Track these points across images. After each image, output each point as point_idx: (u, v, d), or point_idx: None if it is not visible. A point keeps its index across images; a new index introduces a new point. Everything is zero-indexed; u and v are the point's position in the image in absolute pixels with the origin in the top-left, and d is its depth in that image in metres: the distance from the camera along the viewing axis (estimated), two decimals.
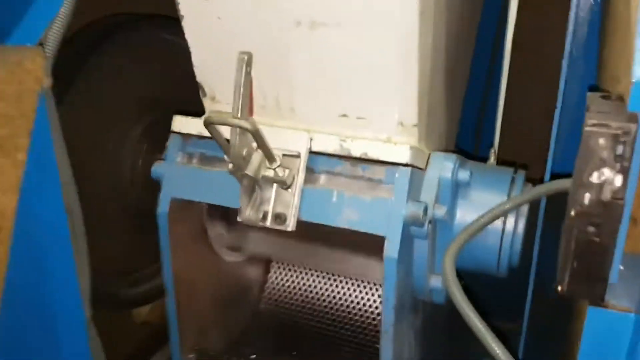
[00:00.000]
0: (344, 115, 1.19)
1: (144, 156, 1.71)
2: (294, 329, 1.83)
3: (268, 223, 1.15)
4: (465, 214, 1.28)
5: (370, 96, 1.14)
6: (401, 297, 1.17)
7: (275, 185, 1.14)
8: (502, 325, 2.11)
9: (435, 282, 1.30)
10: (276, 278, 1.90)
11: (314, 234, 1.45)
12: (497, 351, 0.94)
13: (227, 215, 1.51)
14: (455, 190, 1.25)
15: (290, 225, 1.15)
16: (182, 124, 1.28)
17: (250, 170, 1.06)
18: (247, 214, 1.12)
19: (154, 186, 1.72)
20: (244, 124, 0.98)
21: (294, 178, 1.13)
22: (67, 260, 1.27)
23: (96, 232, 1.41)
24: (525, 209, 1.30)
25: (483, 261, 1.34)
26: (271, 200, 1.14)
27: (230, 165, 1.07)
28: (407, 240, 1.16)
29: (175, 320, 1.40)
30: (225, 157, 1.09)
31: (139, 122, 1.69)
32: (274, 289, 1.93)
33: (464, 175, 1.23)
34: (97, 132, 1.60)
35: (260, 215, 1.13)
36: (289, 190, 1.14)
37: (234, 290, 1.74)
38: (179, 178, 1.29)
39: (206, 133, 1.22)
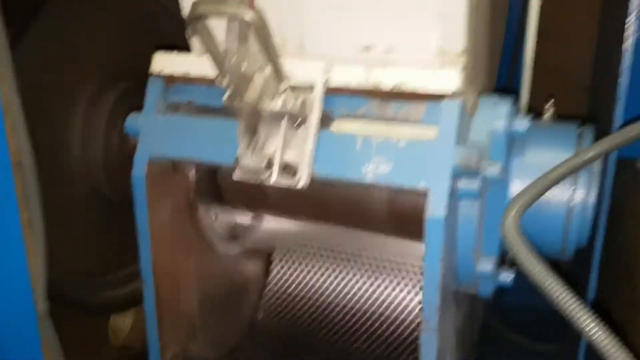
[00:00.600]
0: (368, 48, 0.94)
1: (120, 131, 1.44)
2: (300, 339, 1.54)
3: (273, 176, 0.88)
4: (522, 176, 1.02)
5: (402, 17, 0.89)
6: (445, 277, 0.90)
7: (283, 124, 0.87)
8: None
9: (484, 265, 1.02)
10: (279, 275, 1.61)
11: (329, 211, 1.18)
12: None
13: (221, 190, 1.24)
14: (509, 145, 0.98)
15: (302, 180, 0.88)
16: (165, 62, 1.02)
17: (251, 96, 0.79)
18: (246, 162, 0.85)
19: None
20: (244, 12, 0.71)
21: (307, 114, 0.86)
22: (11, 232, 0.99)
23: (59, 222, 1.14)
24: (597, 173, 1.04)
25: (544, 240, 1.06)
26: (278, 144, 0.87)
27: (226, 90, 0.81)
28: (452, 201, 0.88)
29: (154, 318, 1.11)
30: (217, 80, 0.82)
31: (112, 89, 1.43)
32: (276, 290, 1.64)
33: (521, 124, 0.96)
34: (56, 95, 1.30)
35: (263, 164, 0.86)
36: (301, 132, 0.88)
37: (228, 290, 1.45)
38: (159, 131, 1.03)
39: (195, 73, 0.97)
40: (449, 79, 0.83)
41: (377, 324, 1.53)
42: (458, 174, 0.85)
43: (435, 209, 0.84)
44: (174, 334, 1.18)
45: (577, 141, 1.04)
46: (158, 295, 1.11)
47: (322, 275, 1.60)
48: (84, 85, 1.37)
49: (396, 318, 1.51)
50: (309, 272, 1.62)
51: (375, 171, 0.87)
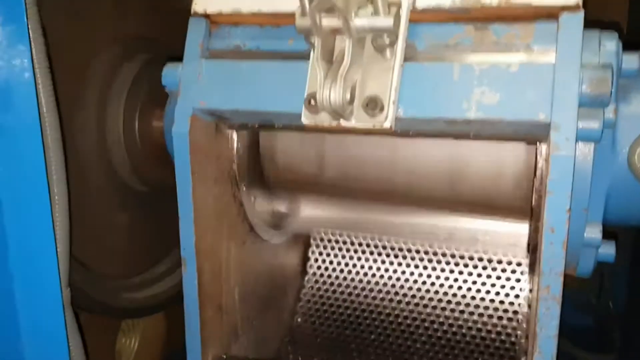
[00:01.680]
0: None
1: (141, 112, 1.28)
2: (345, 344, 1.35)
3: (355, 112, 0.71)
4: (630, 127, 0.86)
5: None
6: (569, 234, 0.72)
7: (367, 47, 0.71)
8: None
9: (593, 231, 0.85)
10: (316, 273, 1.44)
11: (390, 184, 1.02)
12: None
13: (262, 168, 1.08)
14: (616, 85, 0.82)
15: (389, 118, 0.71)
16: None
17: (338, 3, 0.63)
18: (324, 95, 0.68)
19: (157, 154, 1.31)
20: None
21: (397, 34, 0.70)
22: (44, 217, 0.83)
23: (75, 217, 0.97)
24: None
25: None
26: (358, 75, 0.71)
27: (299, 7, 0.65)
28: None
29: (195, 308, 0.93)
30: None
31: (130, 62, 1.26)
32: (313, 291, 1.46)
33: (632, 62, 0.80)
34: (65, 70, 1.12)
35: (347, 96, 0.69)
36: (383, 62, 0.72)
37: (268, 287, 1.27)
38: (204, 80, 0.86)
39: (247, 9, 0.82)
40: None
41: (435, 325, 1.35)
42: (585, 102, 0.69)
43: (562, 145, 0.67)
44: (215, 331, 1.00)
45: None
46: (200, 281, 0.92)
47: (368, 269, 1.43)
48: (97, 58, 1.21)
49: (459, 318, 1.33)
50: (352, 265, 1.45)
51: (479, 104, 0.71)
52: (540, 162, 0.83)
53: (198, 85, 0.86)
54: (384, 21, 0.66)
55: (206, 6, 0.86)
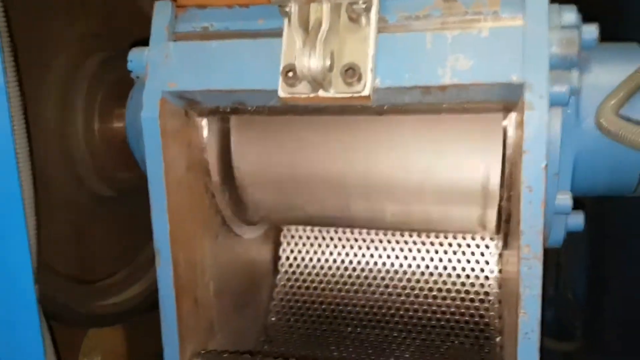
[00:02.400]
0: None
1: (100, 112, 1.24)
2: (322, 339, 1.33)
3: (333, 81, 0.71)
4: (591, 96, 0.89)
5: None
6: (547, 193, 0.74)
7: (342, 15, 0.71)
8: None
9: (564, 198, 0.88)
10: (289, 269, 1.43)
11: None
12: None
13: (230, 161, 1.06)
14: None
15: (368, 87, 0.72)
16: None
17: None
18: (302, 63, 0.68)
19: (119, 154, 1.27)
20: None
21: (371, 2, 0.71)
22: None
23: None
24: None
25: (620, 173, 0.94)
26: (335, 43, 0.71)
27: None
28: None
29: (171, 302, 0.89)
30: None
31: (89, 59, 1.22)
32: (286, 289, 1.44)
33: (590, 33, 0.83)
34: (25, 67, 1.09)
35: (327, 63, 0.69)
36: (358, 31, 0.72)
37: (243, 283, 1.24)
38: (173, 62, 0.84)
39: None
40: None
41: (410, 312, 1.35)
42: (554, 63, 0.72)
43: (536, 103, 0.70)
44: (193, 325, 0.96)
45: None
46: (175, 273, 0.89)
47: (340, 262, 1.42)
48: (56, 55, 1.16)
49: (433, 304, 1.34)
50: (323, 261, 1.44)
51: (454, 70, 0.73)
52: (511, 131, 0.85)
53: (166, 67, 0.84)
54: None
55: None
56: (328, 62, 0.68)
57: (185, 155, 0.93)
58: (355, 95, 0.72)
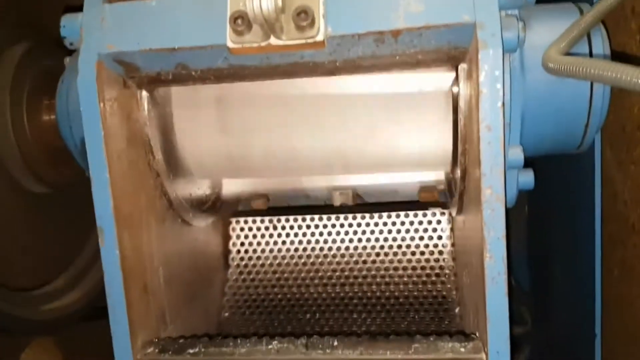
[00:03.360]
0: None
1: (28, 104, 1.16)
2: (278, 329, 1.28)
3: (285, 27, 0.68)
4: (532, 54, 0.91)
5: None
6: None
7: None
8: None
9: (515, 152, 0.89)
10: (240, 260, 1.37)
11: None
12: None
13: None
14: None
15: (321, 32, 0.69)
16: None
17: None
18: (253, 5, 0.64)
19: (53, 150, 1.18)
20: None
21: None
22: None
23: None
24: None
25: (566, 127, 0.97)
26: None
27: None
28: None
29: (119, 285, 0.82)
30: None
31: (11, 51, 1.14)
32: (238, 282, 1.39)
33: None
34: None
35: (279, 3, 0.65)
36: None
37: (197, 270, 1.17)
38: (109, 23, 0.78)
39: None
40: None
41: (368, 293, 1.33)
42: (503, 4, 0.73)
43: (489, 41, 0.70)
44: (143, 314, 0.89)
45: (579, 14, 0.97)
46: (122, 255, 0.82)
47: (293, 250, 1.39)
48: None
49: (390, 282, 1.33)
50: (276, 250, 1.39)
51: (407, 13, 0.72)
52: (461, 82, 0.86)
53: (102, 30, 0.78)
54: None
55: None
56: (280, 3, 0.65)
57: (125, 128, 0.86)
58: (309, 41, 0.69)
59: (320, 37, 0.69)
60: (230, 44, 0.71)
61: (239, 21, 0.68)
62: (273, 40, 0.69)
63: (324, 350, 0.82)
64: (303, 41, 0.69)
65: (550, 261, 1.45)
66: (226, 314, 1.35)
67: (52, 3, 1.25)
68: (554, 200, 1.37)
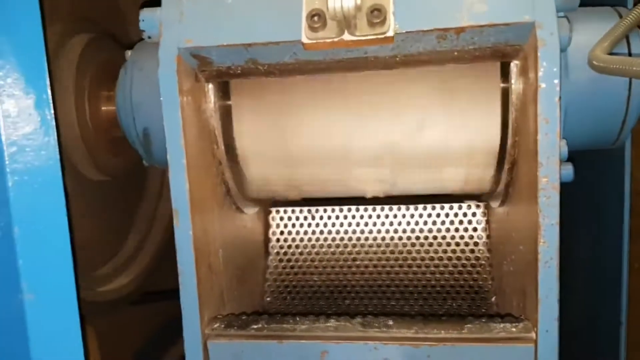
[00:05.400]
0: None
1: (90, 95, 1.21)
2: (323, 310, 1.34)
3: (358, 24, 0.74)
4: (574, 54, 0.96)
5: None
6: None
7: None
8: None
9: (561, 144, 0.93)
10: (280, 248, 1.43)
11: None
12: None
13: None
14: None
15: (391, 28, 0.75)
16: None
17: None
18: (335, 3, 0.70)
19: (111, 140, 1.24)
20: None
21: None
22: None
23: None
24: None
25: (604, 124, 1.01)
26: None
27: None
28: None
29: (191, 263, 0.88)
30: None
31: (73, 42, 1.20)
32: (279, 269, 1.44)
33: None
34: None
35: (357, 1, 0.71)
36: None
37: (246, 255, 1.23)
38: (188, 19, 0.84)
39: None
40: None
41: (406, 280, 1.39)
42: (559, 6, 0.78)
43: (548, 39, 0.75)
44: (209, 291, 0.95)
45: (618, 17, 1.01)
46: (194, 235, 0.88)
47: (330, 237, 1.44)
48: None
49: (427, 270, 1.38)
50: (314, 239, 1.45)
51: (470, 11, 0.77)
52: (514, 78, 0.90)
53: (181, 24, 0.84)
54: None
55: None
56: (359, 1, 0.71)
57: (196, 119, 0.92)
58: (380, 37, 0.74)
59: (390, 33, 0.74)
60: (305, 40, 0.76)
61: (315, 18, 0.74)
62: (346, 36, 0.75)
63: (380, 328, 0.87)
64: (374, 37, 0.75)
65: (572, 247, 1.50)
66: (268, 299, 1.41)
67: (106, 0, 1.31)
68: (581, 192, 1.41)
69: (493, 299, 1.31)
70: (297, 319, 0.91)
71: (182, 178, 0.85)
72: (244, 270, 1.21)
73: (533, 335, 0.81)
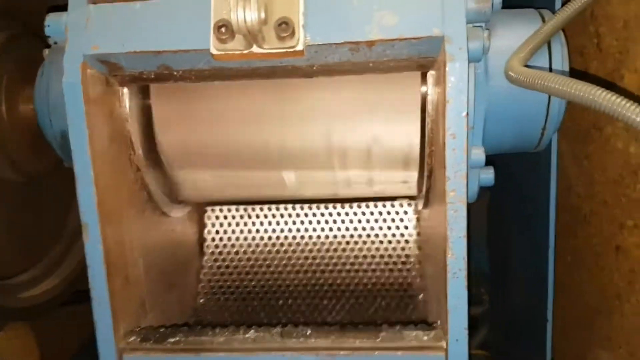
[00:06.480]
0: None
1: (7, 94, 1.16)
2: (254, 313, 1.34)
3: (267, 37, 0.72)
4: (496, 58, 0.97)
5: None
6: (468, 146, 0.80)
7: None
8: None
9: (477, 153, 0.95)
10: (214, 248, 1.42)
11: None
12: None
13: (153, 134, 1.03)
14: None
15: (301, 41, 0.73)
16: None
17: None
18: (237, 16, 0.68)
19: (31, 140, 1.19)
20: None
21: None
22: None
23: None
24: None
25: (525, 128, 1.04)
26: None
27: None
28: None
29: (102, 278, 0.85)
30: None
31: None
32: (213, 268, 1.43)
33: None
34: None
35: (263, 15, 0.69)
36: None
37: (170, 262, 1.21)
38: (94, 26, 0.80)
39: None
40: None
41: (338, 279, 1.40)
42: (470, 18, 0.78)
43: (456, 54, 0.75)
44: (125, 303, 0.93)
45: (540, 18, 1.03)
46: (105, 248, 0.85)
47: (267, 237, 1.44)
48: None
49: (358, 269, 1.40)
50: (250, 238, 1.44)
51: (380, 25, 0.76)
52: (430, 88, 0.91)
53: (87, 31, 0.80)
54: None
55: None
56: (263, 15, 0.69)
57: (107, 126, 0.89)
58: (289, 50, 0.73)
59: (299, 47, 0.73)
60: (213, 51, 0.74)
61: (223, 29, 0.72)
62: (255, 49, 0.73)
63: (298, 338, 0.88)
64: (283, 50, 0.73)
65: (507, 246, 1.55)
66: (202, 300, 1.40)
67: None
68: (513, 189, 1.45)
69: (420, 296, 1.33)
70: (217, 330, 0.91)
71: (90, 190, 0.83)
72: (172, 275, 1.19)
73: (444, 344, 0.83)
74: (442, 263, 0.84)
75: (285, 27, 0.71)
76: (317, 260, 1.39)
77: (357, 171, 1.16)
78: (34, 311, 1.24)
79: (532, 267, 1.33)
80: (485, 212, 1.73)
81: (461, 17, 0.76)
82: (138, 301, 0.99)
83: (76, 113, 0.80)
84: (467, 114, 0.77)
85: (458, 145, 0.77)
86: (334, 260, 1.40)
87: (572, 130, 1.12)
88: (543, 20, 1.03)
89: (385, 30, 0.76)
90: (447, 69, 0.75)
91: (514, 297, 1.54)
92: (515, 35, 0.97)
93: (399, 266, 1.40)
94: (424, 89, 0.94)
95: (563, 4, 1.10)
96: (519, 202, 1.43)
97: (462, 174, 0.78)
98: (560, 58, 0.99)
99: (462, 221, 0.80)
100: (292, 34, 0.72)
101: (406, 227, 1.42)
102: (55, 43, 0.83)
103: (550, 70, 0.99)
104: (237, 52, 0.73)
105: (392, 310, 1.31)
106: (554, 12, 1.09)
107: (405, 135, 1.01)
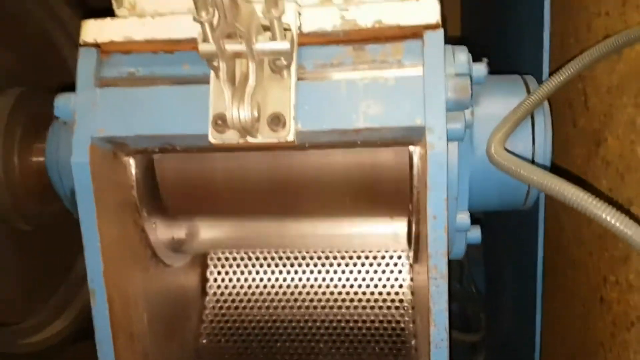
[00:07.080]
0: None
1: (19, 146, 1.23)
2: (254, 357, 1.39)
3: (260, 128, 0.78)
4: (483, 125, 1.03)
5: None
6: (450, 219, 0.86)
7: (265, 71, 0.78)
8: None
9: (463, 217, 1.01)
10: (217, 292, 1.47)
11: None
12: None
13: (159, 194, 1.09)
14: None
15: (292, 132, 0.79)
16: (98, 29, 0.88)
17: (243, 22, 0.69)
18: (232, 115, 0.74)
19: (38, 190, 1.25)
20: None
21: (293, 53, 0.78)
22: None
23: None
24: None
25: (509, 191, 1.09)
26: (260, 94, 0.78)
27: (203, 25, 0.70)
28: None
29: (108, 339, 0.91)
30: (196, 15, 0.70)
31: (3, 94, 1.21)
32: (216, 311, 1.49)
33: (480, 71, 0.96)
34: None
35: (255, 113, 0.75)
36: (279, 81, 0.80)
37: (173, 310, 1.27)
38: (101, 108, 0.87)
39: (141, 36, 0.85)
40: (430, 9, 0.82)
41: (334, 324, 1.45)
42: (451, 106, 0.84)
43: (436, 144, 0.81)
44: (128, 358, 0.99)
45: (525, 88, 1.08)
46: (111, 312, 0.92)
47: (267, 281, 1.49)
48: None
49: (354, 314, 1.45)
50: (251, 280, 1.50)
51: (366, 115, 0.82)
52: (416, 161, 0.97)
53: (94, 113, 0.87)
54: (282, 45, 0.74)
55: (96, 36, 0.87)
56: (256, 114, 0.75)
57: (115, 196, 0.95)
58: (282, 140, 0.79)
59: (291, 138, 0.79)
60: (211, 139, 0.80)
61: (219, 122, 0.78)
62: (249, 139, 0.79)
63: None
64: (276, 140, 0.79)
65: (501, 271, 1.60)
66: (204, 341, 1.46)
67: (42, 52, 1.32)
68: (506, 226, 1.50)
69: (413, 342, 1.38)
70: None
71: (97, 260, 0.89)
72: (174, 321, 1.25)
73: None
74: (427, 328, 0.89)
75: (277, 121, 0.77)
76: (315, 304, 1.45)
77: (349, 229, 1.22)
78: (41, 355, 1.30)
79: (522, 307, 1.37)
80: (483, 236, 1.78)
81: (441, 108, 0.81)
82: (141, 353, 1.05)
83: (85, 191, 0.86)
84: (447, 197, 0.82)
85: (439, 226, 0.83)
86: (331, 304, 1.46)
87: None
88: (527, 87, 1.09)
89: (370, 119, 0.82)
90: (427, 156, 0.80)
91: (506, 322, 1.59)
92: (499, 103, 1.03)
93: (393, 311, 1.45)
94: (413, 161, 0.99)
95: (550, 70, 1.16)
96: (509, 235, 1.48)
97: (443, 252, 0.83)
98: (543, 128, 1.04)
99: (444, 295, 0.85)
100: (284, 125, 0.78)
101: (400, 272, 1.47)
102: (65, 123, 0.89)
103: (533, 141, 1.04)
104: (234, 142, 0.79)
105: (385, 355, 1.36)
106: (541, 76, 1.15)
107: (397, 200, 1.06)
